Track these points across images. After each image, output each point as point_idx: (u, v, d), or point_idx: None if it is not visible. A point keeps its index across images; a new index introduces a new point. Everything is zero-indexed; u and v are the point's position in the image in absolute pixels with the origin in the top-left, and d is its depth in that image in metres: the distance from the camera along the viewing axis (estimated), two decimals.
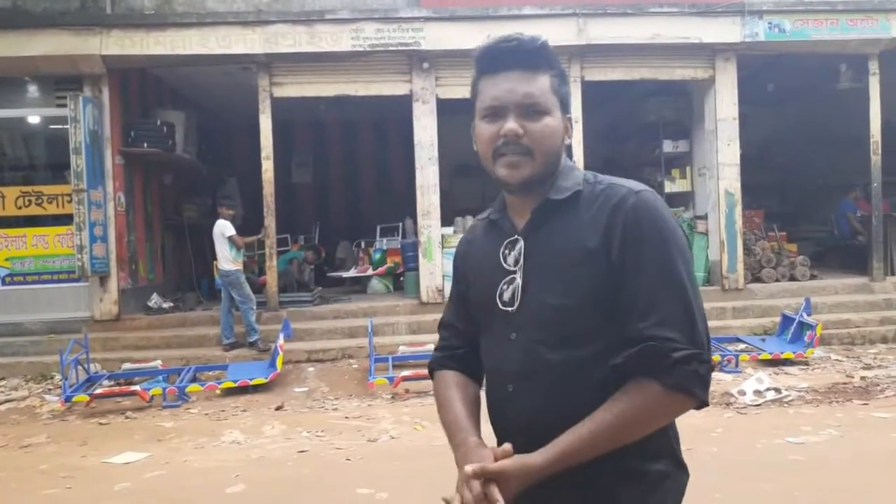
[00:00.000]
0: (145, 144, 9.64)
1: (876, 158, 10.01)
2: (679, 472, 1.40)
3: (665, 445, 1.39)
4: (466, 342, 1.60)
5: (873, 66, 9.95)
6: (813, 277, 10.35)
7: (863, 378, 7.01)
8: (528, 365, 1.38)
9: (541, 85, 1.40)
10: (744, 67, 9.97)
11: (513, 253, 1.45)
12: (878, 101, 9.93)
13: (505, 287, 1.44)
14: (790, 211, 13.36)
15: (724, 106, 9.88)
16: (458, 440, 1.44)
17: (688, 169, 10.87)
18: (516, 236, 1.46)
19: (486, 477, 1.27)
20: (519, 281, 1.42)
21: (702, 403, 1.30)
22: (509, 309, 1.42)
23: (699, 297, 1.33)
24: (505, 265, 1.45)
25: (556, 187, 1.44)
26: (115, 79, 9.32)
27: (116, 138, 9.36)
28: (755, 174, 11.27)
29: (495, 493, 1.26)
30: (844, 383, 6.86)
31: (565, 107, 1.45)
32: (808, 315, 8.20)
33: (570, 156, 1.48)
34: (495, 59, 1.42)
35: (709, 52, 9.83)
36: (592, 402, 1.30)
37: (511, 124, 1.38)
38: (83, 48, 8.82)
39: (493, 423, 1.49)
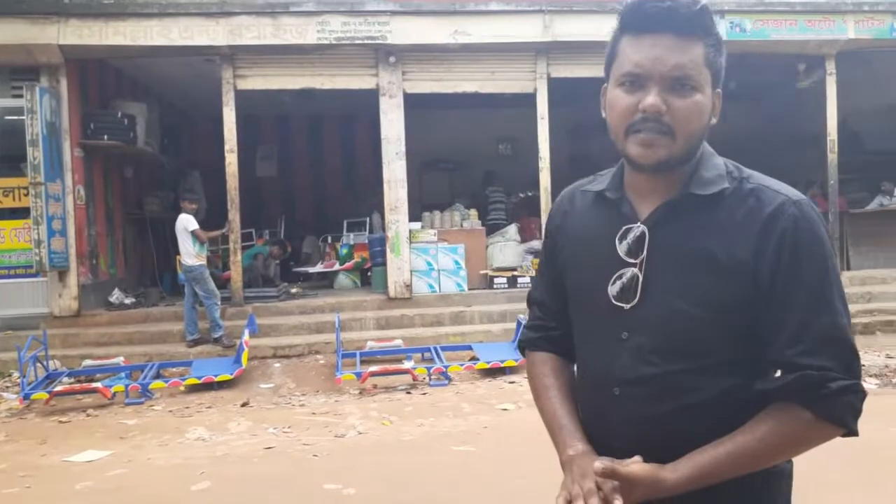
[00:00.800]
0: (105, 137, 9.44)
1: (832, 157, 10.28)
2: (789, 463, 1.32)
3: None
4: (560, 322, 1.45)
5: (830, 67, 10.21)
6: None
7: None
8: (642, 371, 1.25)
9: (694, 55, 1.22)
10: None
11: (628, 241, 1.28)
12: (835, 100, 10.19)
13: (617, 279, 1.28)
14: None
15: None
16: (563, 440, 1.33)
17: None
18: (639, 224, 1.28)
19: (615, 478, 1.17)
20: (640, 276, 1.26)
21: (850, 433, 1.21)
22: (623, 305, 1.27)
23: (851, 324, 1.23)
24: (620, 254, 1.28)
25: (698, 178, 1.26)
26: (73, 69, 9.11)
27: (75, 130, 9.15)
28: None
29: (615, 495, 1.16)
30: None
31: (717, 81, 1.26)
32: None
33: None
34: (645, 17, 1.23)
35: None
36: (709, 417, 1.22)
37: (653, 98, 1.20)
38: (40, 37, 8.60)
39: (586, 422, 1.37)
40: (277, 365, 8.03)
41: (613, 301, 1.28)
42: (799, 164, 12.68)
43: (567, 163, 11.95)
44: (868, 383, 6.70)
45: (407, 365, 7.48)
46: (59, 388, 6.98)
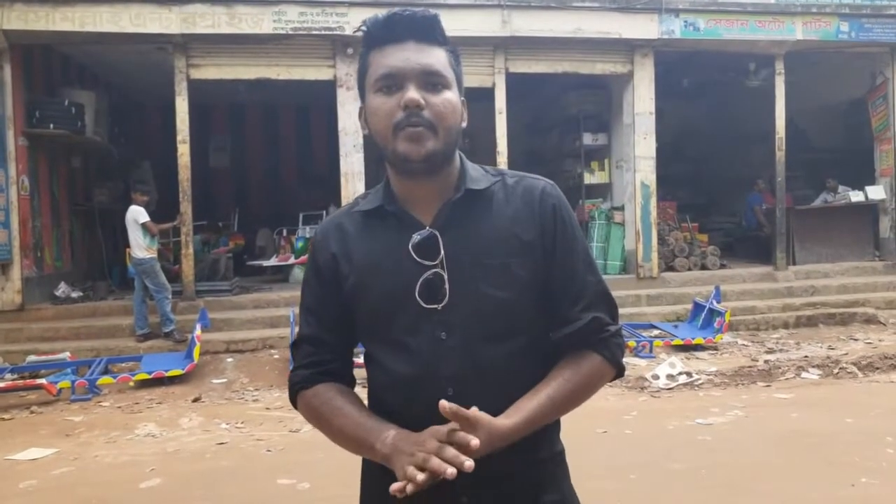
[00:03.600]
0: (52, 125, 9.14)
1: (780, 154, 10.57)
2: (562, 446, 1.44)
3: (559, 427, 1.42)
4: (337, 355, 1.42)
5: (779, 66, 10.48)
6: (722, 266, 10.86)
7: (766, 361, 7.42)
8: (470, 364, 1.29)
9: (439, 58, 1.32)
10: (660, 63, 10.32)
11: (422, 247, 1.30)
12: (783, 99, 10.48)
13: (422, 285, 1.30)
14: (702, 202, 13.94)
15: (642, 101, 10.20)
16: (373, 439, 1.28)
17: (606, 161, 11.17)
18: (427, 228, 1.32)
19: (458, 418, 1.18)
20: (444, 275, 1.29)
21: (619, 374, 1.40)
22: (436, 307, 1.29)
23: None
24: (419, 260, 1.30)
25: (470, 178, 1.36)
26: (17, 55, 8.79)
27: (19, 118, 8.84)
28: (669, 166, 11.70)
29: (466, 435, 1.17)
30: (749, 367, 7.24)
31: (461, 87, 1.37)
32: (718, 302, 8.60)
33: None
34: (387, 29, 1.32)
35: (628, 48, 10.12)
36: (529, 389, 1.31)
37: (412, 93, 1.27)
38: None
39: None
40: (230, 360, 7.91)
41: (424, 305, 1.30)
42: (747, 160, 13.04)
43: (524, 157, 12.03)
44: (811, 373, 6.93)
45: (362, 359, 7.43)
46: (1, 385, 6.75)
